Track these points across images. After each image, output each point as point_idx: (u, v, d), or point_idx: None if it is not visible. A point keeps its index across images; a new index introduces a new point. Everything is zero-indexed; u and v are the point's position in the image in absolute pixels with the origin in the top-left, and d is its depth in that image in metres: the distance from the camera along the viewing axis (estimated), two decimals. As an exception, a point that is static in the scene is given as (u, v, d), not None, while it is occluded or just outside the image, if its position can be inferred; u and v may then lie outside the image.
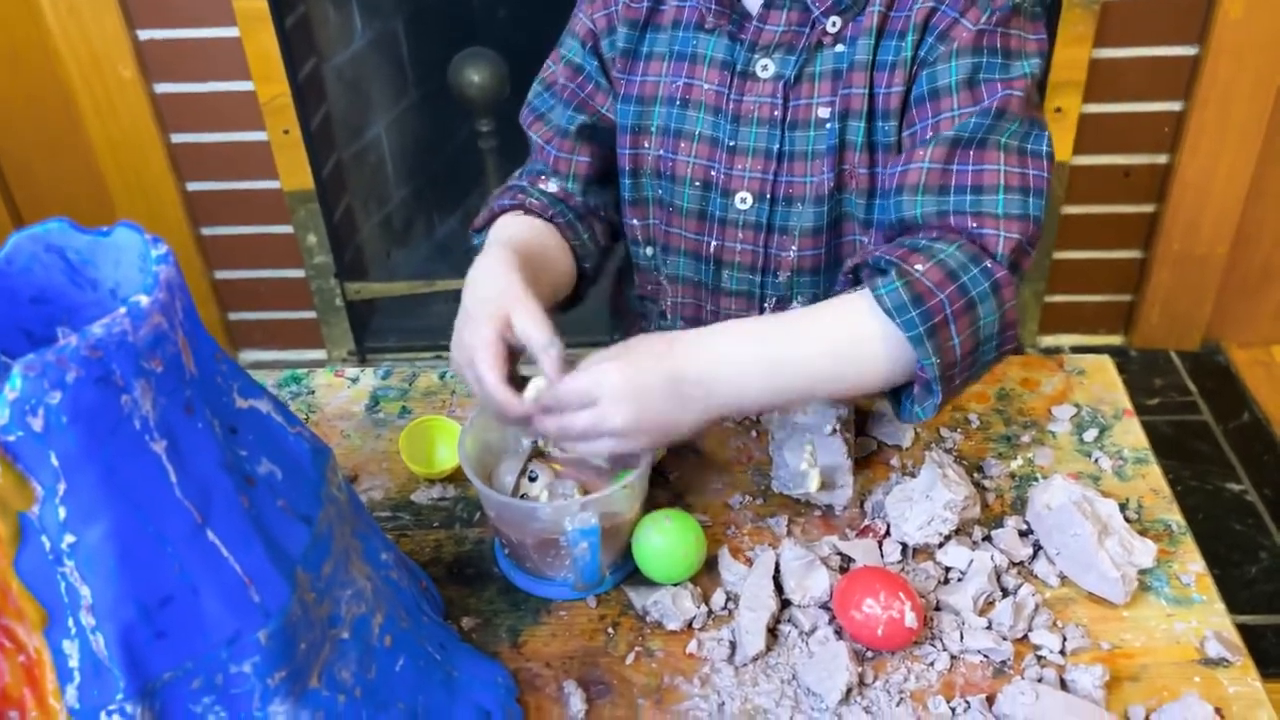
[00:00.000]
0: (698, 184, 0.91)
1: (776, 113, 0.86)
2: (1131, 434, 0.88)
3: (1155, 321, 2.09)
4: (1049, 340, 2.15)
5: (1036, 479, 0.83)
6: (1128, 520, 0.77)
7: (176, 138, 1.94)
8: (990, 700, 0.67)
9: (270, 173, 1.96)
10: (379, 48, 2.12)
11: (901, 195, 0.80)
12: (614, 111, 0.94)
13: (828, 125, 0.85)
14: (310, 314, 2.16)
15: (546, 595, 0.76)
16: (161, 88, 1.89)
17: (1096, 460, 0.85)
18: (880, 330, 0.72)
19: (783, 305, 0.93)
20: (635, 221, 0.97)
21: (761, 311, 0.94)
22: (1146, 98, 1.87)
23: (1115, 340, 2.15)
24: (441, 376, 0.97)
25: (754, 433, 0.89)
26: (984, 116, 0.78)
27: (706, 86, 0.89)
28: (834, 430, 0.81)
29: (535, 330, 0.73)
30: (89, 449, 0.46)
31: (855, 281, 0.80)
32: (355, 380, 0.98)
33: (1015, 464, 0.85)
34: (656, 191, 0.94)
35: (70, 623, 0.47)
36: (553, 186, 0.95)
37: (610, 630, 0.74)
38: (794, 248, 0.89)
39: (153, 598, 0.48)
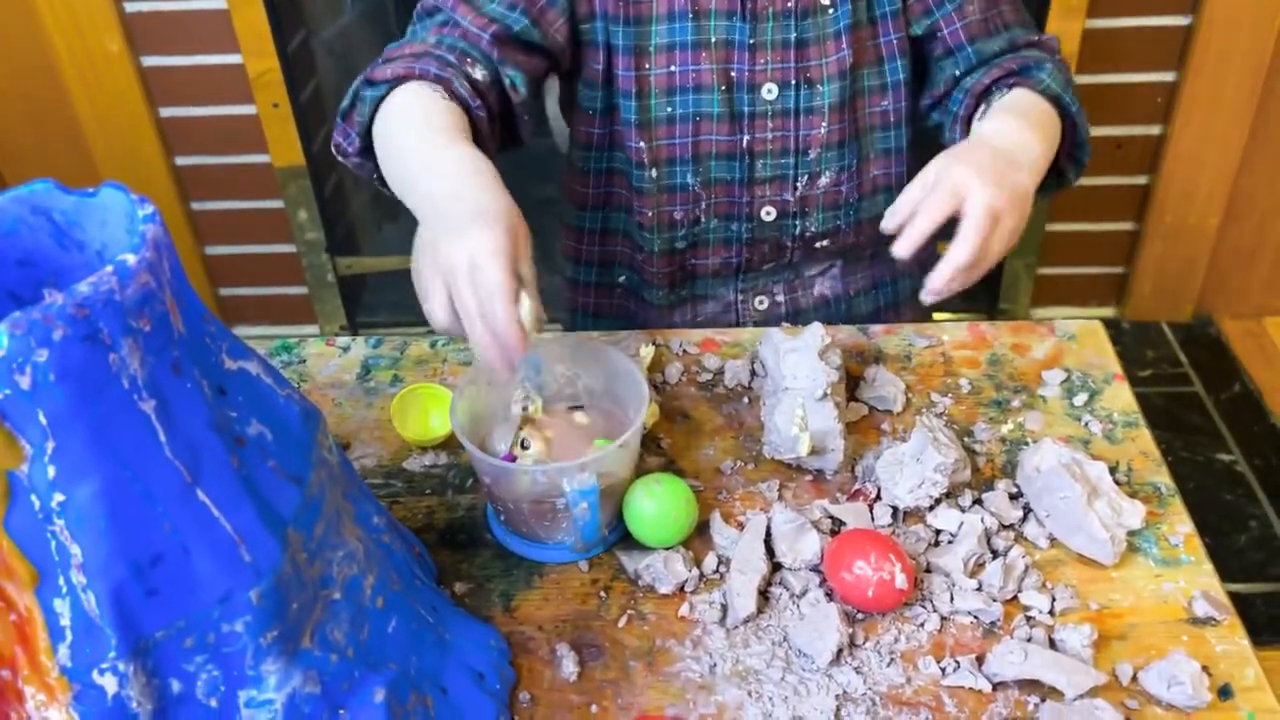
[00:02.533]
0: (723, 88, 0.95)
1: (789, 4, 0.93)
2: (1121, 398, 0.88)
3: (1147, 293, 2.09)
4: (1041, 313, 2.15)
5: (1027, 443, 0.83)
6: (1117, 483, 0.78)
7: (165, 111, 1.93)
8: (980, 660, 0.68)
9: (260, 147, 1.95)
10: (369, 20, 2.10)
11: (975, 44, 0.96)
12: (558, 32, 0.92)
13: (831, 11, 0.94)
14: (302, 289, 2.15)
15: (544, 559, 0.77)
16: (149, 61, 1.87)
17: (1086, 424, 0.85)
18: (1053, 110, 0.91)
19: (813, 181, 1.00)
20: (641, 144, 0.97)
21: (794, 190, 1.00)
22: (1140, 68, 1.86)
23: (1107, 312, 2.15)
24: (433, 345, 0.97)
25: (745, 398, 0.89)
26: None
27: None
28: (825, 395, 0.81)
29: (529, 265, 0.70)
30: (77, 408, 0.46)
31: (976, 106, 0.94)
32: (346, 349, 0.97)
33: (1006, 428, 0.85)
34: (669, 109, 0.96)
35: (61, 581, 0.47)
36: (479, 75, 0.87)
37: (602, 594, 0.74)
38: (823, 125, 0.97)
39: (143, 556, 0.48)
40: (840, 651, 0.68)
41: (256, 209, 2.05)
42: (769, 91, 0.95)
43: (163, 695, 0.51)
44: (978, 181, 0.75)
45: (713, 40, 0.94)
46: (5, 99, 1.92)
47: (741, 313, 1.08)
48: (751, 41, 0.94)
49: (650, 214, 1.01)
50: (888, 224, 0.80)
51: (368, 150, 0.88)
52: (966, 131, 0.95)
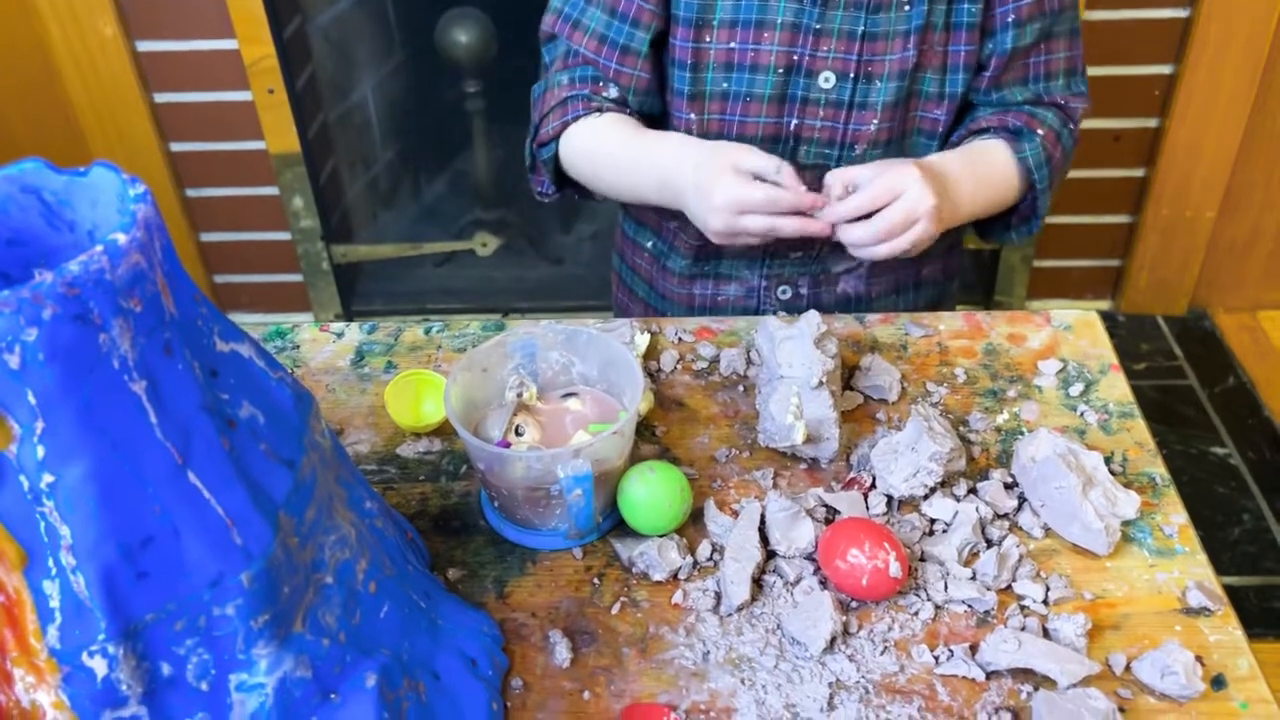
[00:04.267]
0: (780, 70, 0.95)
1: None
2: (1117, 388, 0.88)
3: (1143, 287, 2.09)
4: (1037, 306, 2.15)
5: (1022, 432, 0.83)
6: (1112, 473, 0.78)
7: (159, 97, 1.92)
8: (974, 649, 0.68)
9: (255, 133, 1.94)
10: (365, 7, 2.10)
11: (1001, 91, 0.98)
12: (659, 17, 0.96)
13: (906, 8, 0.93)
14: (297, 277, 2.14)
15: (538, 546, 0.76)
16: (144, 46, 1.86)
17: (1082, 414, 0.85)
18: (1018, 176, 0.97)
19: None
20: (691, 116, 0.98)
21: None
22: (1138, 61, 1.86)
23: (1103, 305, 2.16)
24: (427, 332, 0.97)
25: (740, 387, 0.89)
26: (1054, 4, 0.95)
27: None
28: (820, 383, 0.81)
29: (763, 160, 0.87)
30: (67, 387, 0.45)
31: (969, 134, 0.99)
32: (340, 335, 0.97)
33: (1001, 418, 0.85)
34: (724, 84, 0.96)
35: (50, 563, 0.47)
36: (614, 93, 0.99)
37: (596, 581, 0.74)
38: (875, 121, 0.96)
39: (133, 538, 0.48)
40: (834, 640, 0.68)
41: (252, 196, 2.04)
42: (826, 80, 0.94)
43: (153, 678, 0.50)
44: (929, 188, 0.86)
45: (779, 21, 0.93)
46: (-2, 83, 1.91)
47: (764, 299, 1.07)
48: (818, 27, 0.93)
49: None
50: (829, 179, 0.89)
51: (561, 185, 1.06)
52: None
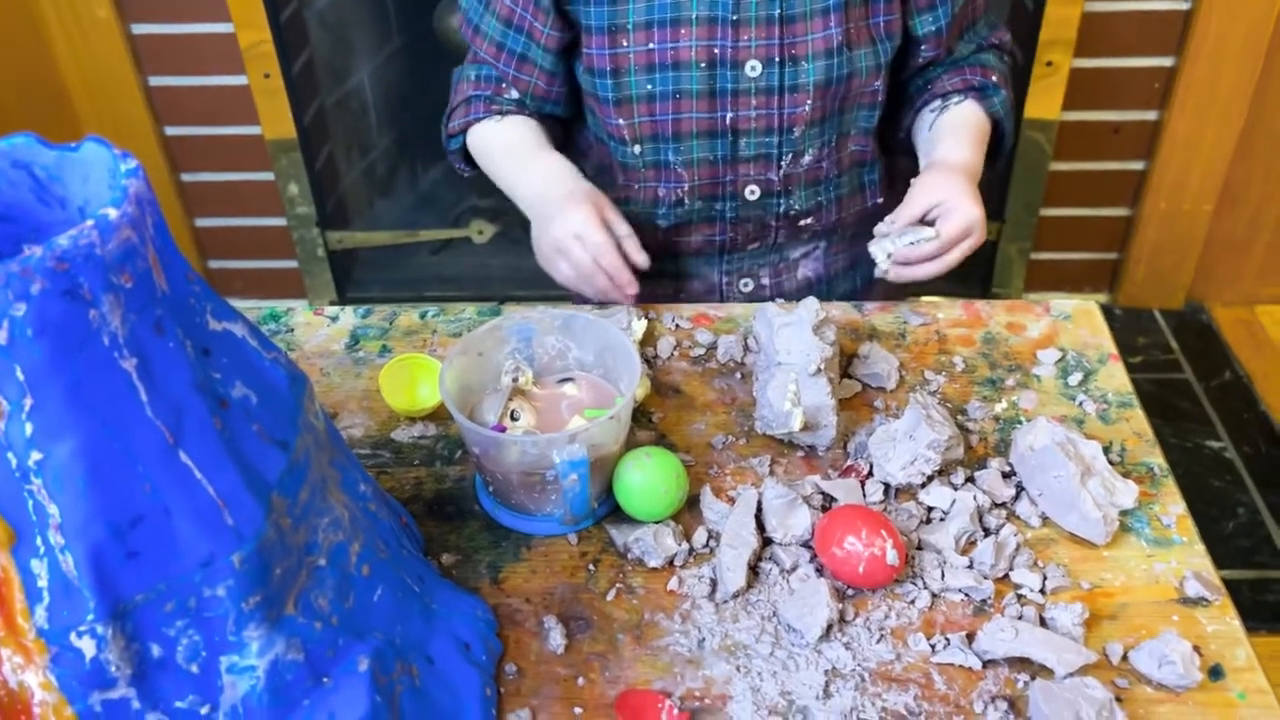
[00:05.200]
0: (704, 64, 0.93)
1: None
2: (1116, 378, 0.87)
3: (1140, 280, 2.09)
4: (1034, 298, 2.15)
5: (1020, 421, 0.83)
6: (1110, 463, 0.77)
7: (154, 81, 1.91)
8: (970, 637, 0.68)
9: (251, 118, 1.93)
10: (361, -8, 2.08)
11: (952, 49, 1.01)
12: (552, 28, 0.96)
13: None
14: (292, 263, 2.13)
15: (532, 531, 0.76)
16: (138, 28, 1.85)
17: (1080, 404, 0.85)
18: (991, 128, 1.01)
19: (797, 159, 0.99)
20: (620, 121, 0.98)
21: (779, 169, 1.00)
22: (1137, 53, 1.85)
23: (1100, 298, 2.15)
24: (422, 316, 0.96)
25: (738, 374, 0.89)
26: None
27: None
28: (818, 370, 0.80)
29: (620, 220, 0.93)
30: (56, 364, 0.45)
31: (935, 98, 1.01)
32: (335, 319, 0.96)
33: (999, 407, 0.85)
34: (648, 86, 0.95)
35: (39, 542, 0.46)
36: (514, 95, 1.02)
37: (591, 567, 0.74)
38: (808, 103, 0.95)
39: (123, 517, 0.47)
40: (830, 627, 0.68)
41: (247, 181, 2.03)
42: (752, 69, 0.93)
43: (142, 659, 0.50)
44: (979, 218, 0.89)
45: (694, 16, 0.92)
46: (-8, 65, 1.90)
47: (726, 294, 1.08)
48: (734, 18, 0.92)
49: (636, 187, 1.02)
50: (888, 228, 0.91)
51: (474, 165, 1.08)
52: (913, 116, 1.03)
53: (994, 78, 1.01)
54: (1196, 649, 0.66)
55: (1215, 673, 0.66)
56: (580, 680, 0.66)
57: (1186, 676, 0.64)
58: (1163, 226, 2.01)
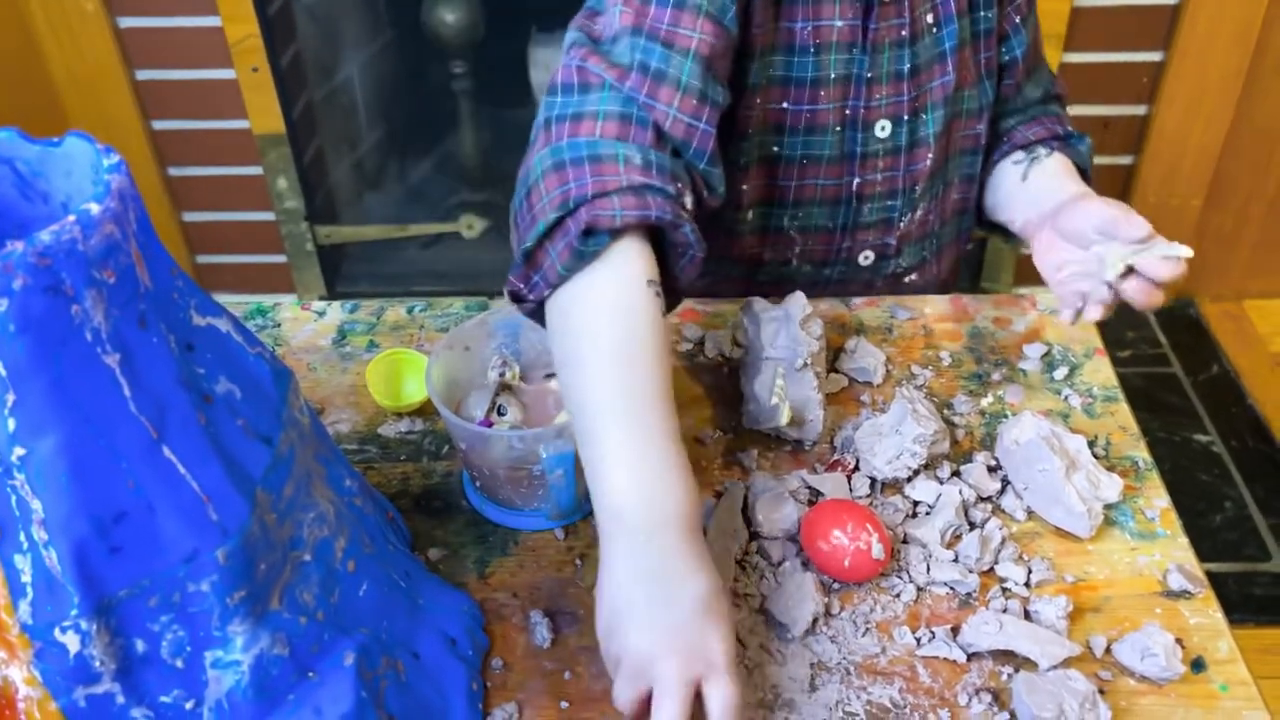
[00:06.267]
0: (838, 128, 0.87)
1: (904, 31, 0.85)
2: (1101, 372, 0.88)
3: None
4: (1023, 292, 2.15)
5: (1006, 416, 0.83)
6: (1095, 457, 0.78)
7: (141, 74, 1.90)
8: (955, 631, 0.68)
9: (239, 112, 1.92)
10: (351, -15, 2.07)
11: (1024, 90, 0.95)
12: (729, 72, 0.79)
13: (935, 31, 0.87)
14: (280, 258, 2.13)
15: (520, 527, 0.76)
16: (125, 21, 1.84)
17: (1066, 398, 0.85)
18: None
19: (912, 217, 0.93)
20: (744, 186, 0.88)
21: (896, 231, 0.93)
22: (1126, 48, 1.86)
23: (1088, 293, 2.15)
24: (409, 311, 0.96)
25: (725, 369, 0.89)
26: None
27: (840, 24, 0.83)
28: (805, 365, 0.80)
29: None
30: (38, 359, 0.45)
31: (1016, 148, 0.93)
32: (322, 314, 0.96)
33: (985, 401, 0.85)
34: (773, 149, 0.87)
35: (22, 537, 0.46)
36: (690, 200, 0.72)
37: (578, 562, 0.74)
38: (928, 157, 0.90)
39: (107, 513, 0.47)
40: (816, 621, 0.68)
41: (235, 175, 2.02)
42: (882, 129, 0.87)
43: (127, 655, 0.50)
44: None
45: (831, 76, 0.84)
46: (-22, 58, 1.89)
47: None
48: (870, 75, 0.85)
49: (736, 251, 0.93)
50: (1109, 276, 0.83)
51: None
52: (989, 168, 0.96)
53: (1067, 124, 0.95)
54: (1179, 641, 0.66)
55: (1197, 665, 0.66)
56: (567, 674, 0.67)
57: (1169, 669, 0.65)
58: (1151, 221, 2.00)
